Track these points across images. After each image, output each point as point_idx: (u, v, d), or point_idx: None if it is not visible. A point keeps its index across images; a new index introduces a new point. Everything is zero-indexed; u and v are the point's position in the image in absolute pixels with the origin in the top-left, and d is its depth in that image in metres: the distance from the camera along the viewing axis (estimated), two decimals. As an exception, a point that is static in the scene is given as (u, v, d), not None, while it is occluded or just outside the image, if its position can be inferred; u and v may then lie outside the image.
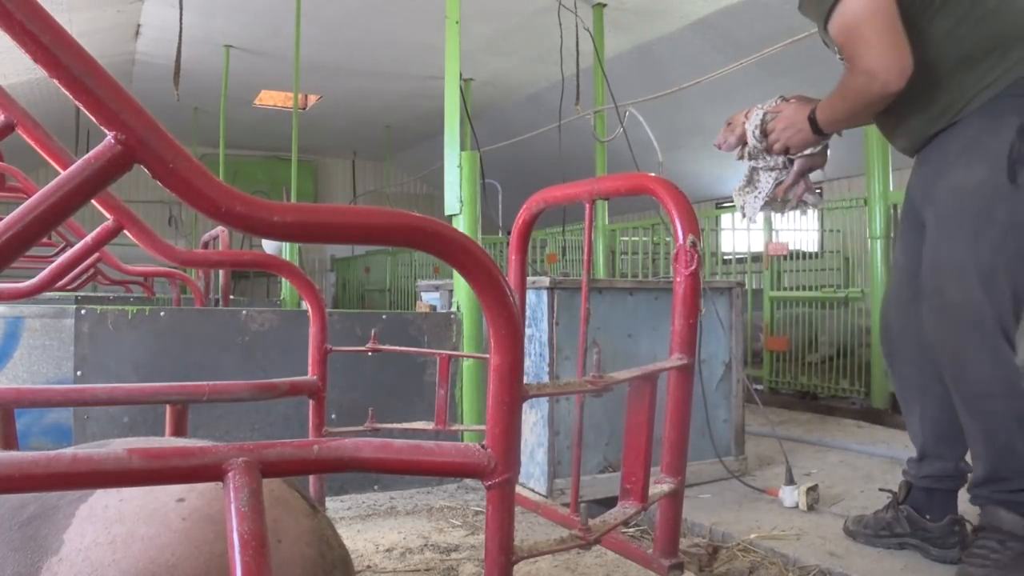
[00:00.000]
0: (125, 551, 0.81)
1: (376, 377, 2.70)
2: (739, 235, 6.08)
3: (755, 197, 2.09)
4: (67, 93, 0.59)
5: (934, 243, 1.80)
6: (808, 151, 1.98)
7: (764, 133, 2.02)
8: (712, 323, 2.85)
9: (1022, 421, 1.70)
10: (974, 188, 1.72)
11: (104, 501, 0.86)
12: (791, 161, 2.02)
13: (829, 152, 2.03)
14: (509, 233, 1.91)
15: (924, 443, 1.98)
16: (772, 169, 2.06)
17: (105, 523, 0.83)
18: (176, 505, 0.86)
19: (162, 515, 0.84)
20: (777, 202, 2.09)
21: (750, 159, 2.09)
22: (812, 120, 1.89)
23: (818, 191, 2.13)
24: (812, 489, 2.43)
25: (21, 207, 0.61)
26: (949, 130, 1.79)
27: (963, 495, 1.91)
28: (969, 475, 1.88)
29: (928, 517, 1.96)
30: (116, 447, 0.68)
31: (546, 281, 2.50)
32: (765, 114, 2.03)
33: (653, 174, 1.46)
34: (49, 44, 0.57)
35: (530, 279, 2.43)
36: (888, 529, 2.02)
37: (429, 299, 3.43)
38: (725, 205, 9.94)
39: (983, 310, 1.70)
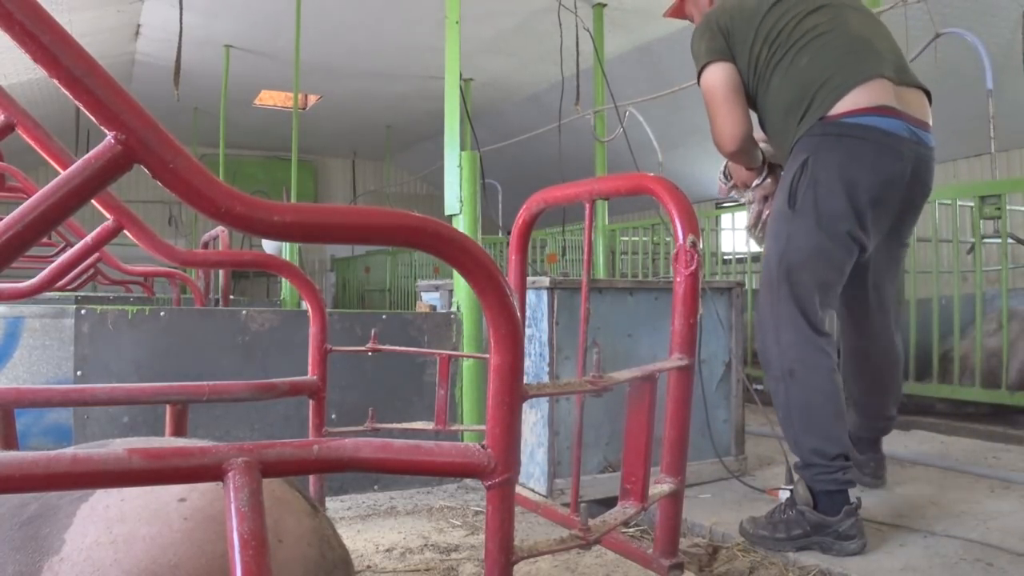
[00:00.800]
0: (127, 551, 0.81)
1: (376, 377, 2.70)
2: (739, 235, 6.08)
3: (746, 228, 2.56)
4: (67, 93, 0.59)
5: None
6: (755, 183, 2.41)
7: (728, 175, 2.51)
8: (712, 323, 2.85)
9: (796, 410, 2.04)
10: (774, 214, 2.16)
11: (105, 501, 0.86)
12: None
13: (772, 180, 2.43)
14: (509, 233, 1.91)
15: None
16: (750, 203, 2.50)
17: (106, 523, 0.83)
18: (178, 505, 0.86)
19: (164, 515, 0.84)
20: (756, 230, 2.50)
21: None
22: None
23: None
24: (812, 489, 2.43)
25: (21, 207, 0.61)
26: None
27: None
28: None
29: (859, 451, 2.24)
30: (116, 447, 0.68)
31: (546, 281, 2.50)
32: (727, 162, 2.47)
33: (653, 174, 1.46)
34: (49, 44, 0.57)
35: (530, 279, 2.43)
36: (786, 530, 2.06)
37: (429, 299, 3.43)
38: (725, 205, 9.94)
39: (772, 305, 2.10)
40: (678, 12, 2.70)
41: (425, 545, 2.06)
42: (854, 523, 1.97)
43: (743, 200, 2.51)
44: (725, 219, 6.68)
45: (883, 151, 2.00)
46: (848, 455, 2.01)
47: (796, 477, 2.09)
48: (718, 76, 2.14)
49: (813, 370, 2.02)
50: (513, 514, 0.87)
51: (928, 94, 2.17)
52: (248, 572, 0.64)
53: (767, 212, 2.39)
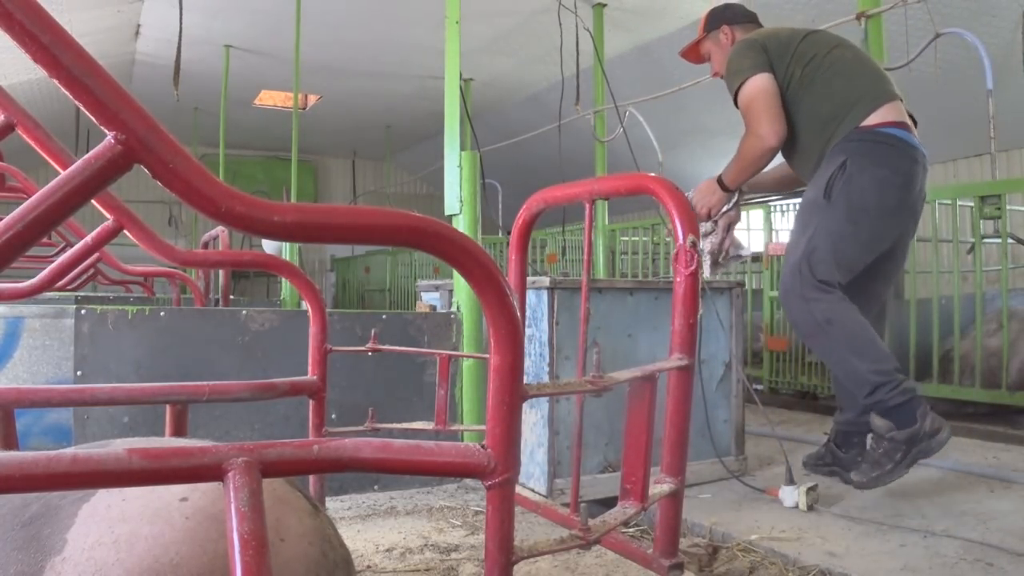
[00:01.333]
0: (129, 550, 0.81)
1: (376, 377, 2.70)
2: (739, 235, 6.07)
3: (705, 262, 2.68)
4: (67, 93, 0.59)
5: (794, 231, 2.55)
6: (724, 208, 2.62)
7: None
8: (712, 323, 2.85)
9: (845, 347, 2.34)
10: (806, 203, 2.50)
11: (107, 501, 0.86)
12: (717, 223, 2.65)
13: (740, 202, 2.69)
14: (509, 233, 1.91)
15: (839, 400, 2.66)
16: (707, 234, 2.66)
17: (108, 522, 0.83)
18: (179, 504, 0.86)
19: (165, 514, 0.84)
20: (719, 262, 2.68)
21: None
22: (720, 182, 2.59)
23: (742, 244, 2.77)
24: (812, 489, 2.43)
25: (21, 207, 0.61)
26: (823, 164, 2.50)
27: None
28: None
29: (843, 451, 2.58)
30: (117, 447, 0.68)
31: (546, 281, 2.50)
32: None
33: (653, 174, 1.46)
34: (49, 44, 0.57)
35: (530, 279, 2.43)
36: (822, 460, 2.60)
37: (429, 299, 3.43)
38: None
39: (799, 269, 2.40)
40: (693, 53, 2.98)
41: (425, 545, 2.06)
42: (933, 418, 2.26)
43: (702, 231, 2.67)
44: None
45: (906, 157, 2.38)
46: (899, 366, 2.37)
47: (869, 414, 2.36)
48: (767, 83, 2.47)
49: (845, 312, 2.36)
50: (513, 514, 0.87)
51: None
52: (248, 572, 0.64)
53: (729, 242, 2.68)
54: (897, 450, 2.25)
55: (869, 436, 2.41)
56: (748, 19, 2.75)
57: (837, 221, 2.38)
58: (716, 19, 2.78)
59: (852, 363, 2.34)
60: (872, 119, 2.40)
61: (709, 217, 2.60)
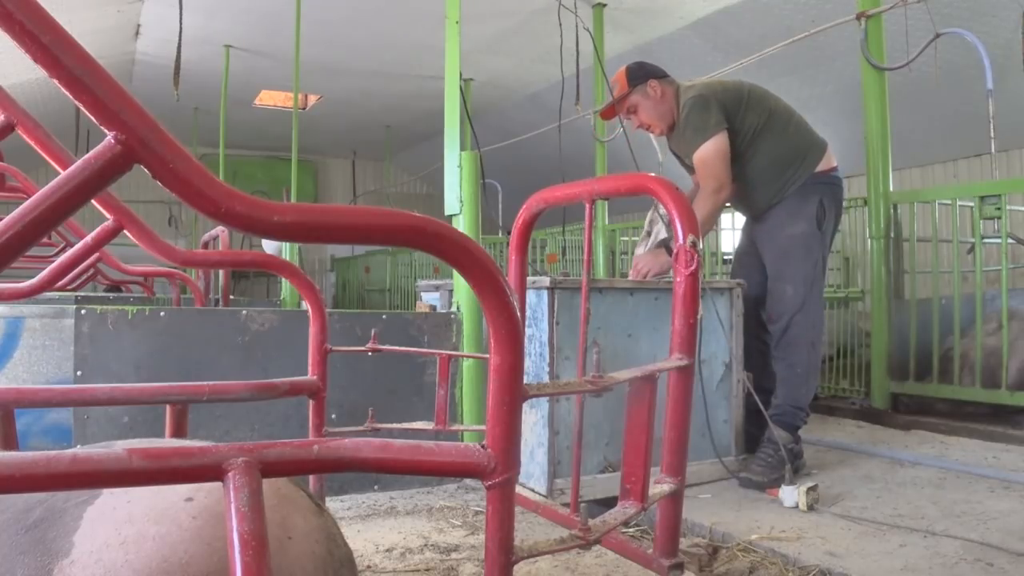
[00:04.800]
0: (137, 551, 0.81)
1: (376, 377, 2.70)
2: (739, 235, 6.07)
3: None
4: (67, 93, 0.59)
5: (778, 266, 2.95)
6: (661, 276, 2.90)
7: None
8: (712, 323, 2.85)
9: (813, 368, 2.91)
10: (801, 235, 2.91)
11: (112, 503, 0.86)
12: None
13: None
14: (509, 233, 1.91)
15: (761, 380, 3.01)
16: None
17: (115, 524, 0.83)
18: (185, 504, 0.86)
19: (172, 514, 0.84)
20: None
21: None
22: (667, 246, 2.89)
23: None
24: (812, 489, 2.43)
25: (21, 207, 0.61)
26: (777, 205, 2.96)
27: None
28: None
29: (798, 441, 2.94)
30: (118, 448, 0.68)
31: (546, 281, 2.50)
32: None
33: (653, 174, 1.46)
34: (49, 44, 0.57)
35: (530, 279, 2.42)
36: (782, 466, 2.78)
37: (429, 299, 3.42)
38: (725, 205, 9.93)
39: (799, 296, 2.87)
40: (610, 112, 3.25)
41: (425, 545, 2.06)
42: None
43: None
44: (725, 219, 6.67)
45: (841, 194, 3.07)
46: None
47: (774, 425, 2.80)
48: (724, 143, 2.85)
49: (820, 343, 2.97)
50: (513, 514, 0.87)
51: None
52: (248, 571, 0.64)
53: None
54: (787, 461, 2.66)
55: (767, 441, 2.80)
56: (664, 74, 3.05)
57: (823, 249, 2.95)
58: (640, 75, 3.02)
59: (807, 385, 2.89)
60: (824, 164, 2.96)
61: (644, 277, 2.86)
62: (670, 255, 2.78)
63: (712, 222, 2.96)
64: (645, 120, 3.06)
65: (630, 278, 2.86)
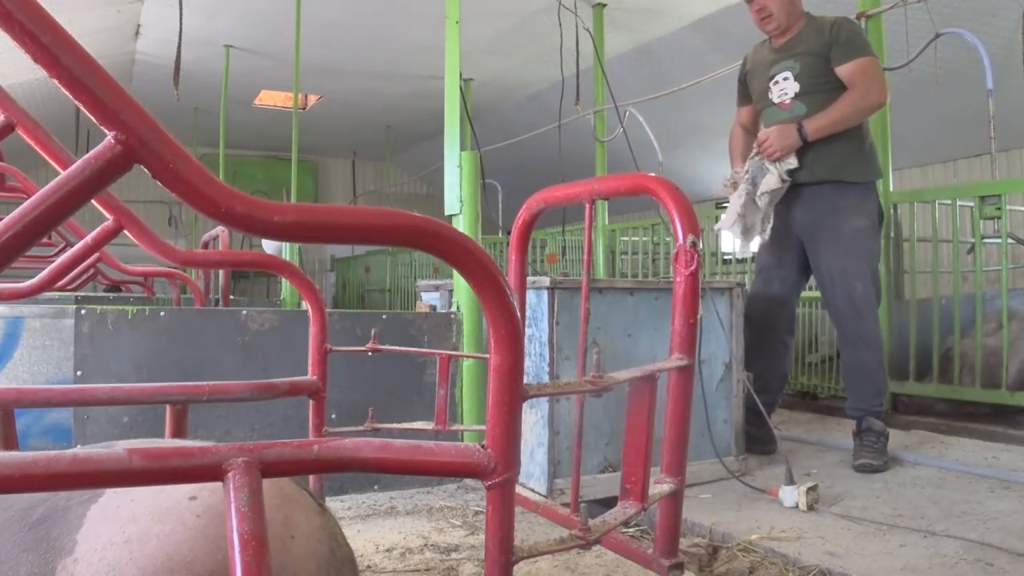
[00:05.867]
0: (141, 549, 0.81)
1: (376, 377, 2.70)
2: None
3: (735, 231, 3.00)
4: (67, 93, 0.59)
5: (842, 262, 2.93)
6: (774, 187, 2.90)
7: (758, 152, 2.98)
8: (712, 323, 2.85)
9: (881, 358, 3.02)
10: (865, 230, 2.94)
11: (115, 502, 0.86)
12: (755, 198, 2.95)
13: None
14: (509, 233, 1.91)
15: (769, 382, 3.17)
16: (740, 195, 2.96)
17: (119, 522, 0.83)
18: (189, 503, 0.86)
19: (176, 513, 0.84)
20: (752, 229, 3.00)
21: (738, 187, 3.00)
22: (800, 131, 2.88)
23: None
24: (812, 489, 2.43)
25: (21, 207, 0.61)
26: (837, 184, 2.93)
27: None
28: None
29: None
30: (118, 448, 0.68)
31: (546, 281, 2.50)
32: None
33: (653, 174, 1.46)
34: (49, 44, 0.57)
35: (530, 279, 2.42)
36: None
37: (429, 299, 3.42)
38: (725, 205, 9.93)
39: (870, 293, 2.94)
40: None
41: (425, 545, 2.06)
42: None
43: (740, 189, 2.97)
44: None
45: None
46: None
47: (868, 417, 2.95)
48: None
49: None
50: (513, 514, 0.87)
51: None
52: (248, 571, 0.64)
53: (764, 215, 2.98)
54: (887, 443, 2.92)
55: (864, 431, 2.94)
56: None
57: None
58: None
59: (880, 373, 2.99)
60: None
61: (774, 157, 2.84)
62: (803, 139, 2.85)
63: (853, 122, 2.92)
64: (771, 5, 3.01)
65: (754, 150, 2.90)
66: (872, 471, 2.81)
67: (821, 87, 2.96)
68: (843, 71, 2.90)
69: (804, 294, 5.04)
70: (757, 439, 3.10)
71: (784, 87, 3.04)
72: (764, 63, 3.16)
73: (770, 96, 3.10)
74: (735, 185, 3.05)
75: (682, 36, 7.17)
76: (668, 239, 5.63)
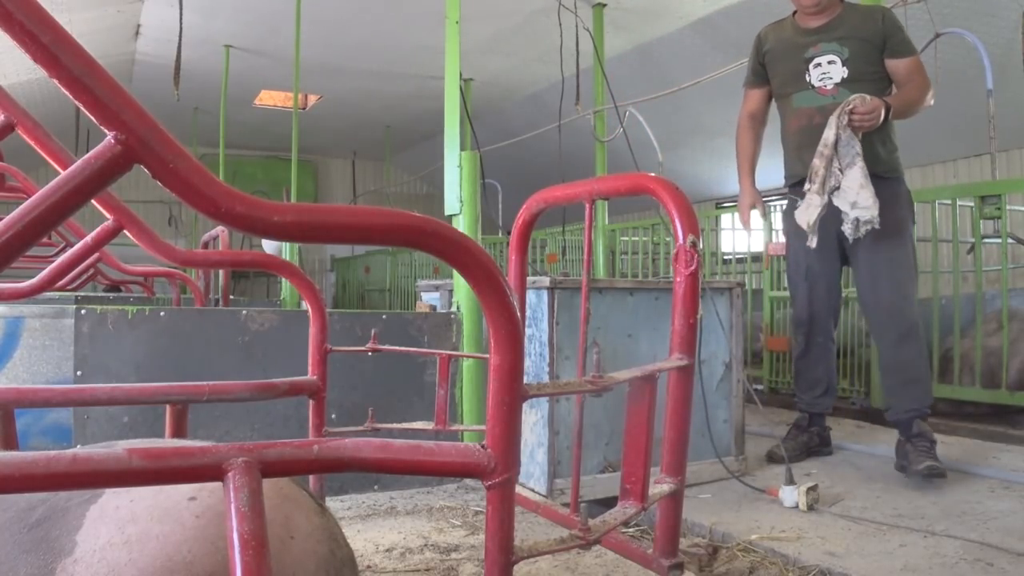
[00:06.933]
0: (141, 550, 0.81)
1: (376, 377, 2.70)
2: (739, 235, 6.07)
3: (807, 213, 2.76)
4: (67, 93, 0.59)
5: (894, 253, 2.81)
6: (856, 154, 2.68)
7: (849, 121, 2.66)
8: (712, 323, 2.85)
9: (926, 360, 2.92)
10: (905, 220, 2.86)
11: (115, 502, 0.86)
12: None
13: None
14: (509, 233, 1.91)
15: (829, 386, 3.08)
16: (822, 192, 2.72)
17: (118, 523, 0.83)
18: (188, 503, 0.86)
19: (175, 514, 0.84)
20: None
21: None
22: (887, 105, 2.69)
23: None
24: (812, 489, 2.43)
25: (21, 207, 0.61)
26: (877, 178, 2.70)
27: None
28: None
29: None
30: (118, 448, 0.68)
31: (546, 281, 2.50)
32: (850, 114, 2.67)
33: (653, 174, 1.46)
34: (49, 44, 0.57)
35: (530, 279, 2.42)
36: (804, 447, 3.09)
37: (429, 299, 3.43)
38: (725, 205, 9.93)
39: (915, 283, 2.88)
40: None
41: (425, 545, 2.06)
42: None
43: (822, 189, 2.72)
44: (725, 219, 6.68)
45: None
46: None
47: (918, 421, 2.76)
48: None
49: None
50: (513, 514, 0.87)
51: None
52: (248, 572, 0.64)
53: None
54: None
55: (917, 436, 2.74)
56: None
57: None
58: None
59: (928, 370, 2.91)
60: None
61: (862, 127, 2.63)
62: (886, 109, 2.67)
63: (914, 113, 2.81)
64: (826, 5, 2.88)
65: (835, 120, 2.65)
66: (939, 475, 2.57)
67: (871, 76, 2.82)
68: (899, 65, 2.80)
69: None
70: (823, 440, 3.17)
71: (828, 71, 2.85)
72: (795, 44, 2.95)
73: (807, 78, 2.89)
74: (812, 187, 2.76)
75: (682, 36, 7.17)
76: (668, 239, 5.63)
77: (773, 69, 3.05)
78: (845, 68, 2.83)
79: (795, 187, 2.97)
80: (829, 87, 2.85)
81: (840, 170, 2.68)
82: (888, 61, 2.82)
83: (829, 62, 2.85)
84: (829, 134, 2.66)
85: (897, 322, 2.78)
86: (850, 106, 2.63)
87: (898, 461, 2.75)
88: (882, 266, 2.80)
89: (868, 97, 2.65)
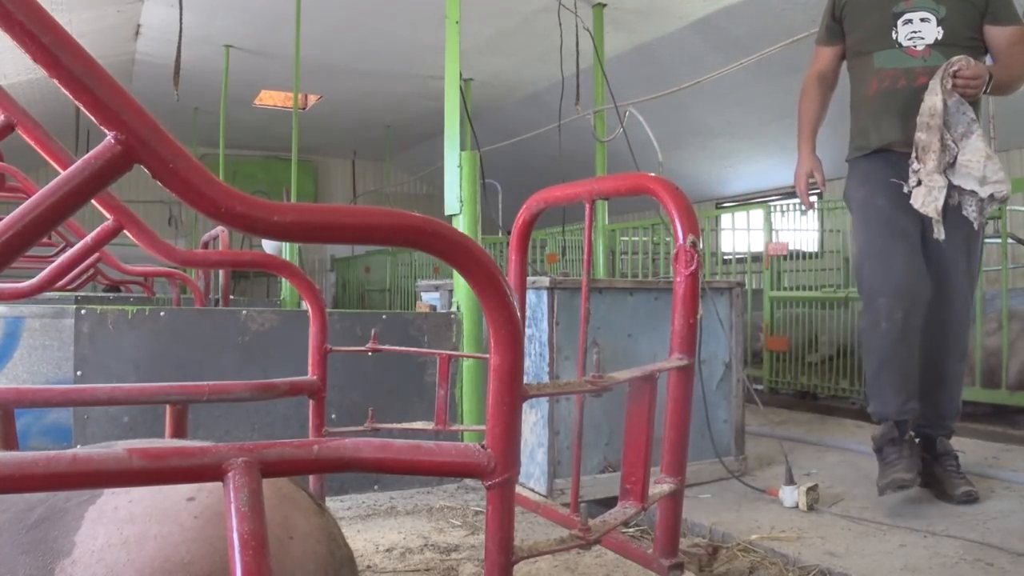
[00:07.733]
0: (139, 551, 0.81)
1: (376, 377, 2.70)
2: (739, 235, 6.08)
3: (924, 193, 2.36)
4: (67, 93, 0.59)
5: (966, 259, 2.51)
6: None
7: (953, 85, 2.33)
8: (712, 323, 2.85)
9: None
10: (972, 230, 2.49)
11: (113, 503, 0.86)
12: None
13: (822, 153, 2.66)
14: (509, 233, 1.91)
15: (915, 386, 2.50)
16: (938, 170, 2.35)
17: (116, 524, 0.83)
18: (187, 504, 0.86)
19: (174, 514, 0.84)
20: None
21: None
22: (990, 74, 2.37)
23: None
24: (812, 489, 2.43)
25: (21, 207, 0.61)
26: None
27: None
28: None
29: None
30: (118, 448, 0.68)
31: (546, 281, 2.50)
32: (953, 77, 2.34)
33: (653, 174, 1.46)
34: (49, 44, 0.57)
35: (530, 279, 2.43)
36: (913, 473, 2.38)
37: (429, 299, 3.43)
38: (725, 205, 9.93)
39: (969, 309, 2.61)
40: None
41: (425, 545, 2.06)
42: None
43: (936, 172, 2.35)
44: (725, 219, 6.69)
45: None
46: None
47: (943, 439, 2.57)
48: None
49: None
50: (513, 514, 0.87)
51: None
52: (248, 572, 0.64)
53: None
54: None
55: (946, 455, 2.55)
56: None
57: None
58: None
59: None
60: None
61: (966, 94, 2.31)
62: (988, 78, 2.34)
63: (1015, 89, 2.47)
64: None
65: (939, 83, 2.32)
66: (976, 500, 2.42)
67: (967, 42, 2.48)
68: (1001, 33, 2.46)
69: (804, 294, 5.06)
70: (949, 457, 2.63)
71: (920, 29, 2.48)
72: None
73: (893, 35, 2.51)
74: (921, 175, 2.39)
75: (682, 36, 7.17)
76: (668, 239, 5.63)
77: (853, 22, 2.64)
78: (940, 28, 2.47)
79: (859, 159, 2.62)
80: (920, 48, 2.48)
81: (954, 142, 2.32)
82: (988, 27, 2.48)
83: (922, 19, 2.49)
84: (935, 101, 2.30)
85: (962, 342, 2.56)
86: (955, 67, 2.31)
87: (923, 478, 2.48)
88: (963, 278, 2.50)
89: (973, 60, 2.33)
